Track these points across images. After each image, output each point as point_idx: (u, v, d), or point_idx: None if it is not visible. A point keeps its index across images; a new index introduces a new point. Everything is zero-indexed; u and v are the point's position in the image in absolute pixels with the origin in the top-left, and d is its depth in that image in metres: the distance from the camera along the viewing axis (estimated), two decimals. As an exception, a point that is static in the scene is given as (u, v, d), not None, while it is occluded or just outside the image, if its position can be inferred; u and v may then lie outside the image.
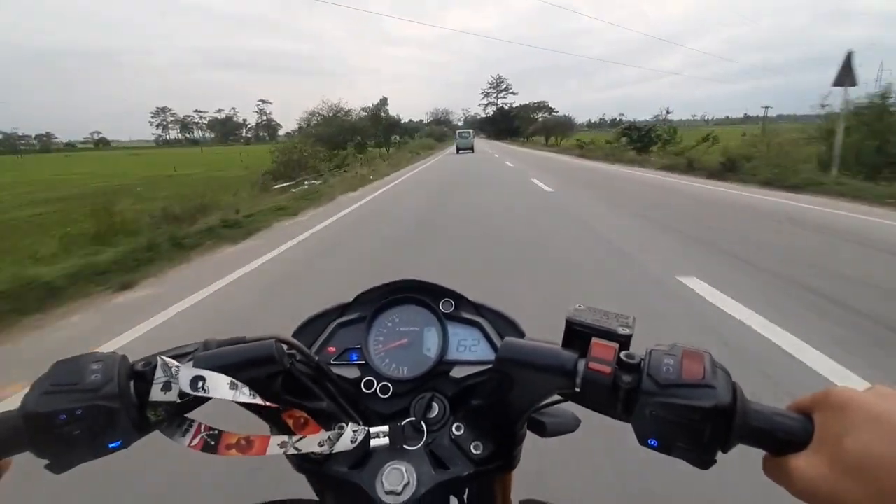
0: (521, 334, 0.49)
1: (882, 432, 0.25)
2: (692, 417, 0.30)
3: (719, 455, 0.32)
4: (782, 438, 0.30)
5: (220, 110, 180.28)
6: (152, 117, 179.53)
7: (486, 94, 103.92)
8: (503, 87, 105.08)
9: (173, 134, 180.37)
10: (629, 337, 0.36)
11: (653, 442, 0.32)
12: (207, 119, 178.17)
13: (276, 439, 0.39)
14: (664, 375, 0.32)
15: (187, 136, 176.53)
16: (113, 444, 0.34)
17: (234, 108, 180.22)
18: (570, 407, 0.41)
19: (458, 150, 33.22)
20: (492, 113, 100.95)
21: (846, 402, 0.27)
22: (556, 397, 0.40)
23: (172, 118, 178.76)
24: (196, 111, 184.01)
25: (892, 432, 0.25)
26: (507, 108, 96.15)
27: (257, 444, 0.38)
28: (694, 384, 0.31)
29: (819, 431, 0.28)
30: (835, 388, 0.29)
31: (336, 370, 0.48)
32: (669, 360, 0.32)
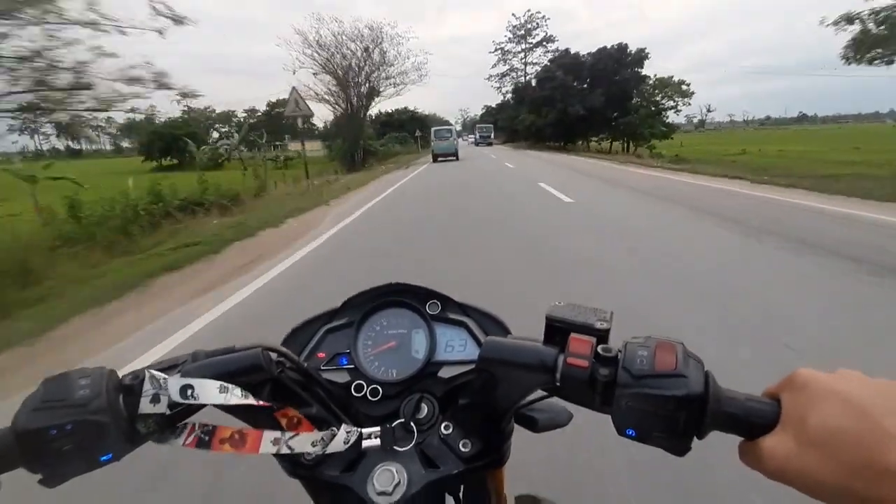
0: (507, 332, 0.50)
1: (840, 407, 0.26)
2: (666, 407, 0.31)
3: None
4: (754, 422, 0.31)
5: (132, 109, 69.54)
6: (12, 119, 56.40)
7: (503, 55, 50.62)
8: (536, 33, 48.27)
9: (58, 143, 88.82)
10: (607, 331, 0.36)
11: (630, 432, 0.33)
12: (102, 121, 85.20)
13: (270, 435, 0.39)
14: (638, 367, 0.32)
15: (69, 145, 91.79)
16: (104, 458, 0.34)
17: (152, 107, 74.53)
18: (561, 401, 0.42)
19: (436, 157, 23.40)
20: (521, 85, 42.97)
21: (808, 382, 0.29)
22: (541, 393, 0.40)
23: (47, 120, 65.65)
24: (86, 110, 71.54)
25: (849, 407, 0.26)
26: (584, 57, 30.59)
27: (250, 440, 0.38)
28: (666, 374, 0.32)
29: (785, 411, 0.29)
30: (800, 369, 0.30)
31: (326, 375, 0.48)
32: (643, 352, 0.33)
